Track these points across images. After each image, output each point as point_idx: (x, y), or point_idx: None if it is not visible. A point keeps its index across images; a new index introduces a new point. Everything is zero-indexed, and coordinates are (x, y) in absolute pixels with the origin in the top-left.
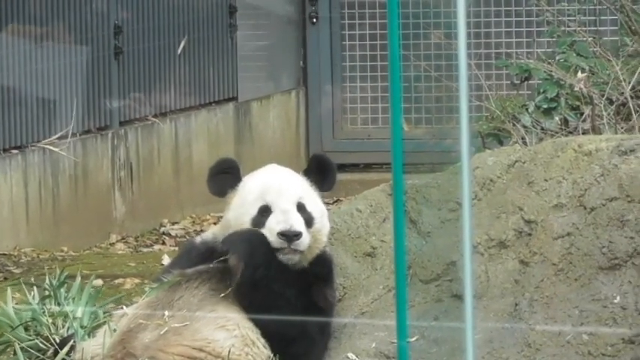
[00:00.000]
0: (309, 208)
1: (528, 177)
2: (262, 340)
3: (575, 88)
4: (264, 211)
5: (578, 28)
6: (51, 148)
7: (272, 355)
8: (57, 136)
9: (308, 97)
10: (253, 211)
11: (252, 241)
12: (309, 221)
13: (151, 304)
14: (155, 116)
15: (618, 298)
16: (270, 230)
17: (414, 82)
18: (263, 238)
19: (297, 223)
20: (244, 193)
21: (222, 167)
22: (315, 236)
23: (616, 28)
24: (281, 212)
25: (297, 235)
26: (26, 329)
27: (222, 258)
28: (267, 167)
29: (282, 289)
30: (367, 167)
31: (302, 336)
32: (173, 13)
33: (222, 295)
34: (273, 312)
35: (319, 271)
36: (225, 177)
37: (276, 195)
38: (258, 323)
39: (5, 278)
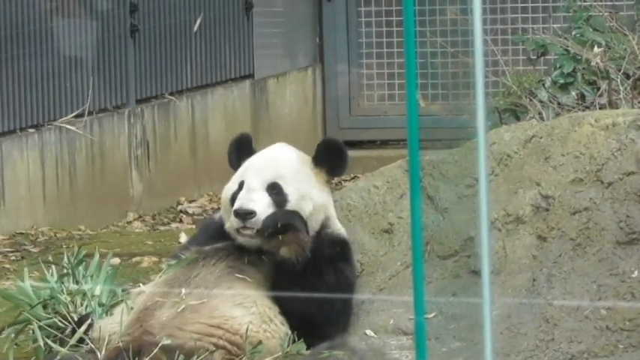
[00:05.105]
0: (287, 190)
1: (545, 152)
2: (280, 318)
3: (592, 63)
4: (241, 188)
5: (594, 3)
6: (67, 126)
7: (289, 332)
8: (73, 114)
9: (324, 74)
10: (235, 186)
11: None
12: (280, 203)
13: (168, 282)
14: (171, 94)
15: (636, 272)
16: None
17: (430, 58)
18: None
19: (254, 203)
20: (241, 168)
21: (238, 141)
22: None
23: (632, 2)
24: (246, 190)
25: (251, 214)
26: (44, 307)
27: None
28: (273, 146)
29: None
30: (384, 144)
31: (324, 317)
32: None
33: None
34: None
35: (329, 253)
36: (241, 151)
37: (252, 173)
38: (280, 304)
39: (23, 257)
